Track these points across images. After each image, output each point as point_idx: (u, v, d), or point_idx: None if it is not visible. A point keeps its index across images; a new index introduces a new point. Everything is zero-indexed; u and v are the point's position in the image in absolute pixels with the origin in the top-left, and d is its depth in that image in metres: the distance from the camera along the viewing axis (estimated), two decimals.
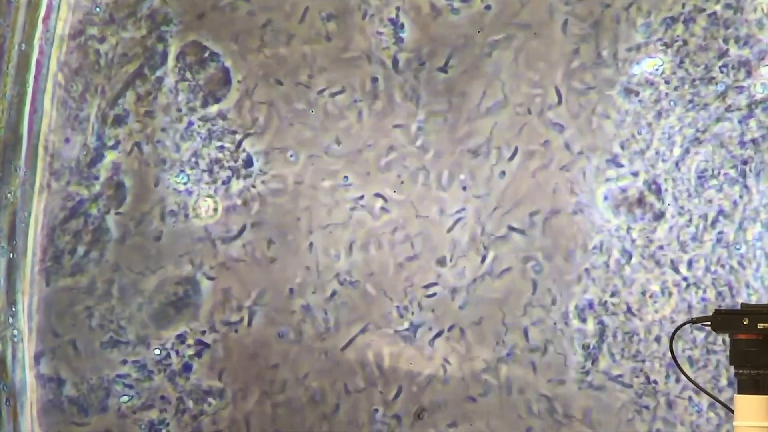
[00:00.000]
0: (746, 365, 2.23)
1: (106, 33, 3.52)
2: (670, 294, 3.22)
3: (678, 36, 3.24)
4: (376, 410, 3.36)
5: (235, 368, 3.44)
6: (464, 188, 3.36)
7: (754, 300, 3.14)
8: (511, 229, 3.33)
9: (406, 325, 3.36)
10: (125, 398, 3.44)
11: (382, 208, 3.40)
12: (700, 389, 2.48)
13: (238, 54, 3.47)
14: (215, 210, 3.47)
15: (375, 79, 3.40)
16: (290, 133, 3.46)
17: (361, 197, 3.41)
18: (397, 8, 3.39)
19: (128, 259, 3.48)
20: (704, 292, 3.20)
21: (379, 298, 3.38)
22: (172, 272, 3.47)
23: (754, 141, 3.20)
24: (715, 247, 3.20)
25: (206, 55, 3.48)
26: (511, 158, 3.34)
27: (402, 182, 3.40)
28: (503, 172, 3.34)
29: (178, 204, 3.48)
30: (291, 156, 3.45)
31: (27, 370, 3.48)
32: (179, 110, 3.49)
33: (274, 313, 3.43)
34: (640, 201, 3.26)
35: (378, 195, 3.40)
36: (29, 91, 3.53)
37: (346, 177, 3.42)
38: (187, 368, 3.44)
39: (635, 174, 3.27)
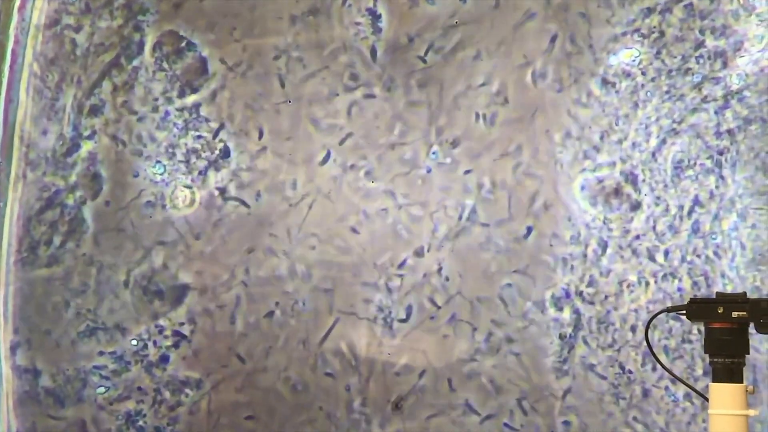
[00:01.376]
0: (721, 354, 2.24)
1: (82, 22, 3.50)
2: (647, 284, 3.23)
3: (654, 27, 3.25)
4: (354, 400, 3.36)
5: (212, 359, 3.43)
6: (442, 178, 3.36)
7: (729, 289, 3.16)
8: (489, 219, 3.33)
9: (383, 314, 3.37)
10: (102, 389, 3.43)
11: (360, 197, 3.40)
12: (674, 377, 2.50)
13: (215, 44, 3.46)
14: (192, 200, 3.46)
15: (353, 69, 3.40)
16: (267, 123, 3.45)
17: (340, 186, 3.41)
18: None
19: (105, 249, 3.47)
20: (680, 281, 3.22)
21: (357, 288, 3.38)
22: (149, 263, 3.46)
23: (729, 132, 3.22)
24: (691, 237, 3.22)
25: (183, 44, 3.47)
26: (489, 149, 3.34)
27: (379, 172, 3.40)
28: (481, 163, 3.35)
29: (155, 194, 3.47)
30: (268, 146, 3.45)
31: (3, 361, 3.46)
32: (156, 100, 3.47)
33: (252, 303, 3.43)
34: (617, 191, 3.27)
35: (356, 184, 3.40)
36: (4, 80, 3.50)
37: (323, 164, 3.42)
38: (164, 359, 3.43)
39: (612, 164, 3.28)
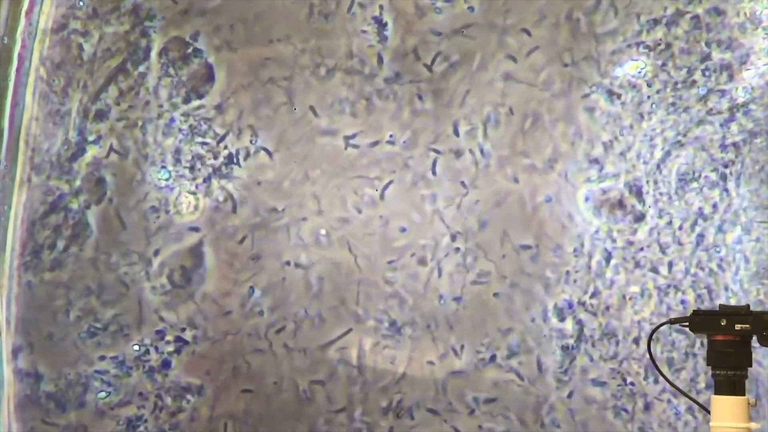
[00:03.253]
0: (723, 366, 2.24)
1: (89, 27, 3.50)
2: (650, 296, 3.23)
3: (660, 39, 3.25)
4: (355, 409, 3.35)
5: (214, 365, 3.43)
6: (446, 187, 3.36)
7: (733, 302, 3.15)
8: (493, 229, 3.33)
9: (386, 323, 3.36)
10: (103, 394, 3.43)
11: (365, 204, 3.40)
12: (676, 389, 2.49)
13: (221, 50, 3.46)
14: (196, 206, 3.46)
15: (359, 77, 3.40)
16: (272, 130, 3.45)
17: (345, 193, 3.41)
18: (381, 7, 3.39)
19: (108, 254, 3.47)
20: (683, 294, 3.21)
21: (361, 296, 3.38)
22: (151, 268, 3.46)
23: (735, 144, 3.21)
24: (695, 250, 3.21)
25: (189, 50, 3.47)
26: (494, 158, 3.34)
27: (384, 180, 3.39)
28: (485, 173, 3.35)
29: (159, 200, 3.47)
30: (273, 153, 3.45)
31: (4, 365, 3.46)
32: (161, 106, 3.48)
33: (255, 310, 3.42)
34: (621, 203, 3.26)
35: (361, 191, 3.40)
36: (11, 84, 3.51)
37: (328, 171, 3.42)
38: (165, 364, 3.43)
39: (616, 176, 3.27)
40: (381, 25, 3.40)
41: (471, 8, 3.35)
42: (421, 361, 3.35)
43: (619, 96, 3.27)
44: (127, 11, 3.49)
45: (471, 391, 3.30)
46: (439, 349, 3.33)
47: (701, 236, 3.21)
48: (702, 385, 3.17)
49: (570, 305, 3.26)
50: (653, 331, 2.39)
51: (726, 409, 2.22)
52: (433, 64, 3.37)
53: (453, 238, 3.34)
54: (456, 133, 3.36)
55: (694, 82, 3.23)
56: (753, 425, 2.23)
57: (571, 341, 3.25)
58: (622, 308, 3.24)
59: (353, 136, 3.41)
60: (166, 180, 3.46)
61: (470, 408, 3.30)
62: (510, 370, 3.28)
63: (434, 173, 3.37)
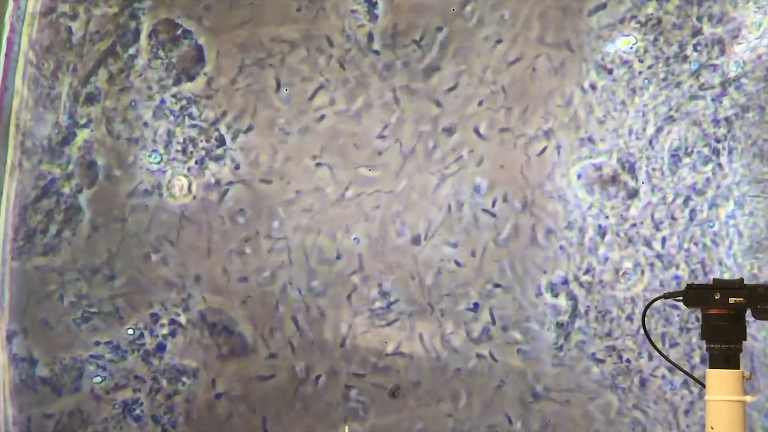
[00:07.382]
0: (717, 339, 2.24)
1: (78, 10, 3.49)
2: (643, 271, 3.23)
3: (652, 14, 3.24)
4: (351, 388, 3.35)
5: (209, 347, 3.42)
6: (439, 166, 3.36)
7: (726, 277, 3.15)
8: (486, 207, 3.33)
9: (380, 303, 3.36)
10: (98, 378, 3.43)
11: (357, 185, 3.39)
12: (670, 362, 2.49)
13: (211, 32, 3.45)
14: (189, 189, 3.45)
15: (349, 57, 3.39)
16: (264, 111, 3.44)
17: (336, 174, 3.40)
18: None
19: (101, 238, 3.46)
20: (677, 269, 3.21)
21: (355, 276, 3.38)
22: (144, 252, 3.45)
23: (727, 119, 3.21)
24: (689, 225, 3.21)
25: (179, 32, 3.46)
26: (486, 136, 3.34)
27: (376, 159, 3.39)
28: (478, 150, 3.34)
29: (151, 183, 3.46)
30: (264, 134, 3.44)
31: None
32: (151, 88, 3.46)
33: (248, 292, 3.42)
34: (614, 179, 3.26)
35: (352, 172, 3.39)
36: (0, 69, 3.49)
37: (320, 152, 3.41)
38: (160, 348, 3.43)
39: (609, 152, 3.27)
40: (371, 4, 3.38)
41: None
42: (415, 340, 3.35)
43: (610, 72, 3.26)
44: None
45: (465, 368, 3.30)
46: (433, 328, 3.34)
47: (694, 211, 3.21)
48: (697, 359, 3.17)
49: (565, 282, 3.26)
50: (648, 306, 2.39)
51: (721, 382, 2.22)
52: (423, 42, 3.36)
53: (446, 216, 3.34)
54: (447, 110, 3.35)
55: (686, 56, 3.22)
56: (748, 398, 2.23)
57: (565, 317, 3.26)
58: (616, 284, 3.24)
59: (344, 115, 3.39)
60: (158, 163, 3.45)
61: (465, 386, 3.31)
62: (504, 348, 3.28)
63: (426, 151, 3.36)
